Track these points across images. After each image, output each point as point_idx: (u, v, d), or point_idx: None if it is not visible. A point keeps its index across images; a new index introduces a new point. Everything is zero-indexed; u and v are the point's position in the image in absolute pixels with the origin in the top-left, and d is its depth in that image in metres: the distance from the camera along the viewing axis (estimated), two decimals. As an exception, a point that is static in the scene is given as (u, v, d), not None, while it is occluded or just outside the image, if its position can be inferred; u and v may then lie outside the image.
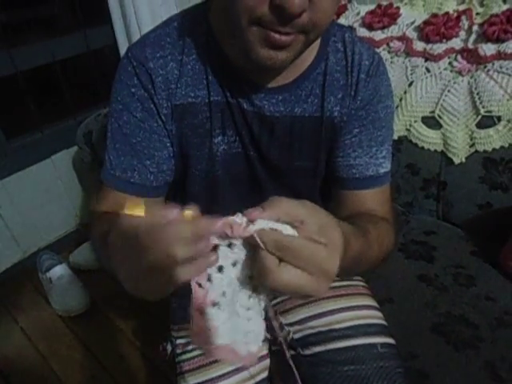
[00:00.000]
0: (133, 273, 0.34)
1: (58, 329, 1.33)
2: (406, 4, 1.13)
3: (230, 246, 0.34)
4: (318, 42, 0.57)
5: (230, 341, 0.35)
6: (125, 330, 1.31)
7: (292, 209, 0.34)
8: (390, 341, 0.65)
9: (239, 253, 0.34)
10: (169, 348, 0.70)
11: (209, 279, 0.34)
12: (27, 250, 1.54)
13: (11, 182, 1.40)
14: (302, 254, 0.32)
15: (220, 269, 0.34)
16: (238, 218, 0.33)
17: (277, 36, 0.44)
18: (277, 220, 0.33)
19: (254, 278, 0.35)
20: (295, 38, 0.45)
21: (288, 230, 0.33)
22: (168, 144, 0.60)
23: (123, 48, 1.50)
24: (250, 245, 0.34)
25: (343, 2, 1.20)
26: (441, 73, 1.04)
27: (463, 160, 1.02)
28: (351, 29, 0.62)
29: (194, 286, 0.33)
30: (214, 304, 0.34)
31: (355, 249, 0.44)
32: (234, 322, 0.35)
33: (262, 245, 0.32)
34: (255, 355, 0.37)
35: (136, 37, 1.44)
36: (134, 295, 0.36)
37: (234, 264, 0.35)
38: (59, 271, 1.39)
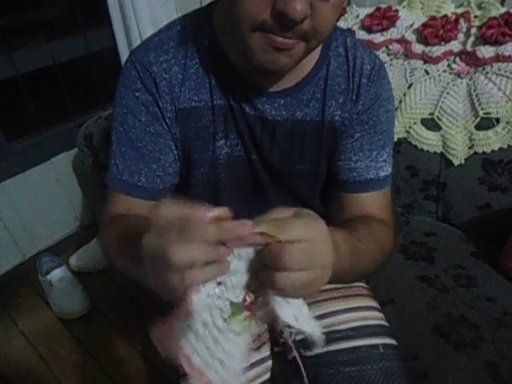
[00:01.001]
0: (145, 272, 0.34)
1: (58, 331, 1.33)
2: (404, 7, 1.14)
3: None
4: (319, 47, 0.58)
5: (200, 362, 0.34)
6: (125, 332, 1.31)
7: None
8: (392, 341, 0.65)
9: (225, 278, 0.34)
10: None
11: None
12: (27, 253, 1.54)
13: (11, 184, 1.40)
14: (297, 253, 0.33)
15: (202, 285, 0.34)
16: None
17: (279, 38, 0.45)
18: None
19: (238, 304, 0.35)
20: (296, 42, 0.46)
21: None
22: (173, 147, 0.60)
23: (123, 50, 1.50)
24: (242, 265, 0.34)
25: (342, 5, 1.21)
26: (440, 75, 1.05)
27: (462, 161, 1.03)
28: (353, 33, 0.62)
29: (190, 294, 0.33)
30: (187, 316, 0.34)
31: (349, 254, 0.45)
32: (210, 346, 0.34)
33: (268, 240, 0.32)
34: None
35: (136, 39, 1.44)
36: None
37: (219, 284, 0.34)
38: (59, 274, 1.39)
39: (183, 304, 0.32)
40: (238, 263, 0.34)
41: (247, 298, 0.35)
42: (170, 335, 0.34)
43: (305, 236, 0.33)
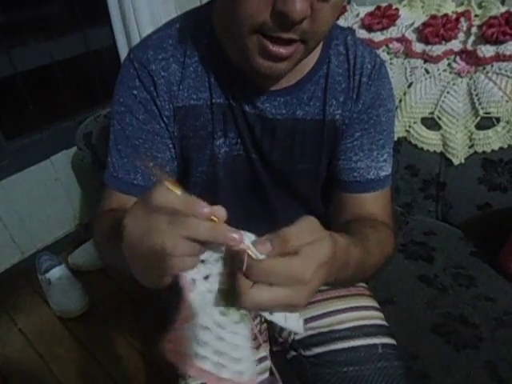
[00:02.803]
0: (132, 261, 0.34)
1: (57, 330, 1.33)
2: (405, 5, 1.13)
3: (202, 261, 0.33)
4: (320, 46, 0.57)
5: (210, 366, 0.34)
6: (124, 330, 1.31)
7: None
8: (391, 341, 0.65)
9: (211, 267, 0.34)
10: (169, 349, 0.70)
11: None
12: (26, 251, 1.53)
13: (10, 183, 1.40)
14: (272, 270, 0.32)
15: (193, 281, 0.34)
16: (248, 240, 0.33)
17: (275, 49, 0.45)
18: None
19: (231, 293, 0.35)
20: (295, 49, 0.46)
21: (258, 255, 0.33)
22: (170, 146, 0.60)
23: (122, 49, 1.49)
24: (226, 260, 0.34)
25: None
26: (440, 74, 1.04)
27: (462, 161, 1.03)
28: (353, 31, 0.62)
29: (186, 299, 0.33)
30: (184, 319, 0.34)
31: (355, 259, 0.44)
32: (215, 346, 0.34)
33: (244, 265, 0.32)
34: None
35: (135, 38, 1.44)
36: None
37: (206, 277, 0.34)
38: (58, 272, 1.39)
39: (183, 309, 0.32)
40: (210, 255, 0.34)
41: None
42: (179, 346, 0.34)
43: (293, 249, 0.32)
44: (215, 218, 0.31)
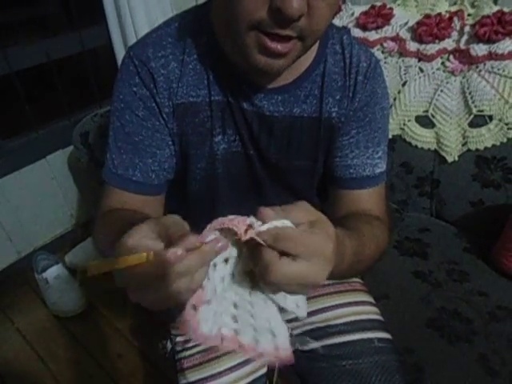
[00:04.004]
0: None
1: (55, 329, 1.33)
2: (399, 5, 1.15)
3: None
4: (316, 44, 0.58)
5: (244, 336, 0.36)
6: (122, 329, 1.31)
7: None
8: (387, 335, 0.66)
9: (229, 250, 0.36)
10: (168, 345, 0.70)
11: (207, 277, 0.35)
12: (23, 251, 1.53)
13: (6, 182, 1.39)
14: (298, 240, 0.33)
15: (214, 266, 0.35)
16: (242, 223, 0.34)
17: (273, 45, 0.45)
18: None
19: (253, 274, 0.36)
20: (292, 46, 0.46)
21: (286, 223, 0.34)
22: (170, 142, 0.61)
23: (118, 48, 1.49)
24: (241, 243, 0.35)
25: (337, 3, 1.22)
26: (434, 73, 1.06)
27: (456, 158, 1.04)
28: (348, 31, 0.63)
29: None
30: (208, 301, 0.35)
31: (351, 251, 0.45)
32: (242, 317, 0.36)
33: (262, 242, 0.33)
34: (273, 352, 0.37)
35: (131, 37, 1.44)
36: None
37: (226, 261, 0.36)
38: (55, 271, 1.38)
39: (199, 292, 0.34)
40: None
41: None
42: (198, 326, 0.35)
43: (307, 255, 0.34)
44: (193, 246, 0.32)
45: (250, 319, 0.37)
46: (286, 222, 0.34)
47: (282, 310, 0.39)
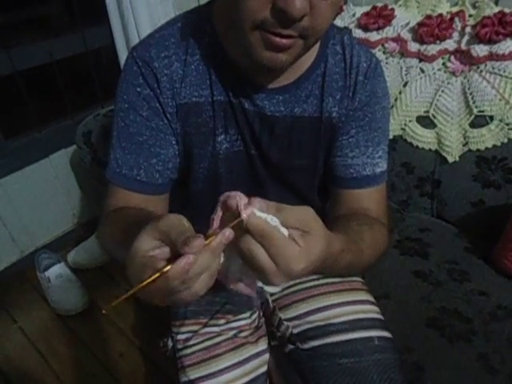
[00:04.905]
0: None
1: (57, 328, 1.34)
2: (400, 6, 1.15)
3: None
4: (317, 45, 0.59)
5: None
6: (124, 328, 1.32)
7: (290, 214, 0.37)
8: (387, 334, 0.66)
9: None
10: (169, 343, 0.71)
11: None
12: (25, 250, 1.54)
13: (9, 181, 1.40)
14: (277, 243, 0.35)
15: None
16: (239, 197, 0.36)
17: (277, 39, 0.46)
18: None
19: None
20: (295, 41, 0.47)
21: (273, 220, 0.36)
22: (173, 142, 0.61)
23: (121, 48, 1.50)
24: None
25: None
26: (435, 73, 1.06)
27: (457, 159, 1.04)
28: (349, 31, 0.64)
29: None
30: None
31: (345, 262, 0.48)
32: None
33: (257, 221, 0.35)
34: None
35: (133, 37, 1.44)
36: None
37: None
38: (57, 270, 1.39)
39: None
40: None
41: None
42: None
43: (301, 242, 0.36)
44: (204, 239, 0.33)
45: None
46: (274, 219, 0.36)
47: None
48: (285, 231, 0.36)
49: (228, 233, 0.34)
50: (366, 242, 0.53)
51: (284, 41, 0.46)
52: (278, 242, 0.35)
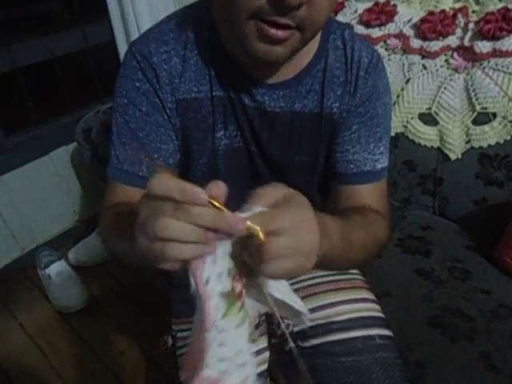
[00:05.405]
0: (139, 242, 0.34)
1: (58, 325, 1.34)
2: (403, 2, 1.14)
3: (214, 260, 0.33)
4: (317, 39, 0.58)
5: (217, 371, 0.33)
6: (124, 325, 1.32)
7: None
8: (388, 333, 0.66)
9: (223, 264, 0.33)
10: (169, 341, 0.71)
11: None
12: (26, 247, 1.54)
13: (10, 178, 1.40)
14: (280, 216, 0.33)
15: (207, 282, 0.32)
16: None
17: (273, 31, 0.45)
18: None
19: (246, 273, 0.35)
20: (291, 34, 0.46)
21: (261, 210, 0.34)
22: (174, 138, 0.61)
23: (121, 44, 1.49)
24: (235, 248, 0.33)
25: (341, 0, 1.21)
26: (437, 70, 1.05)
27: (459, 156, 1.03)
28: (350, 26, 0.63)
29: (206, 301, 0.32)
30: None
31: (336, 228, 0.45)
32: (219, 352, 0.33)
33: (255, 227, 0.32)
34: None
35: (134, 33, 1.44)
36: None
37: (220, 276, 0.33)
38: (58, 268, 1.39)
39: (202, 319, 0.32)
40: (219, 250, 0.33)
41: (234, 285, 0.34)
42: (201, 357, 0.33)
43: (291, 228, 0.33)
44: (216, 203, 0.31)
45: (218, 349, 0.33)
46: (261, 209, 0.34)
47: (289, 311, 0.38)
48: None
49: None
50: (355, 222, 0.53)
51: (279, 33, 0.45)
52: (282, 214, 0.33)
